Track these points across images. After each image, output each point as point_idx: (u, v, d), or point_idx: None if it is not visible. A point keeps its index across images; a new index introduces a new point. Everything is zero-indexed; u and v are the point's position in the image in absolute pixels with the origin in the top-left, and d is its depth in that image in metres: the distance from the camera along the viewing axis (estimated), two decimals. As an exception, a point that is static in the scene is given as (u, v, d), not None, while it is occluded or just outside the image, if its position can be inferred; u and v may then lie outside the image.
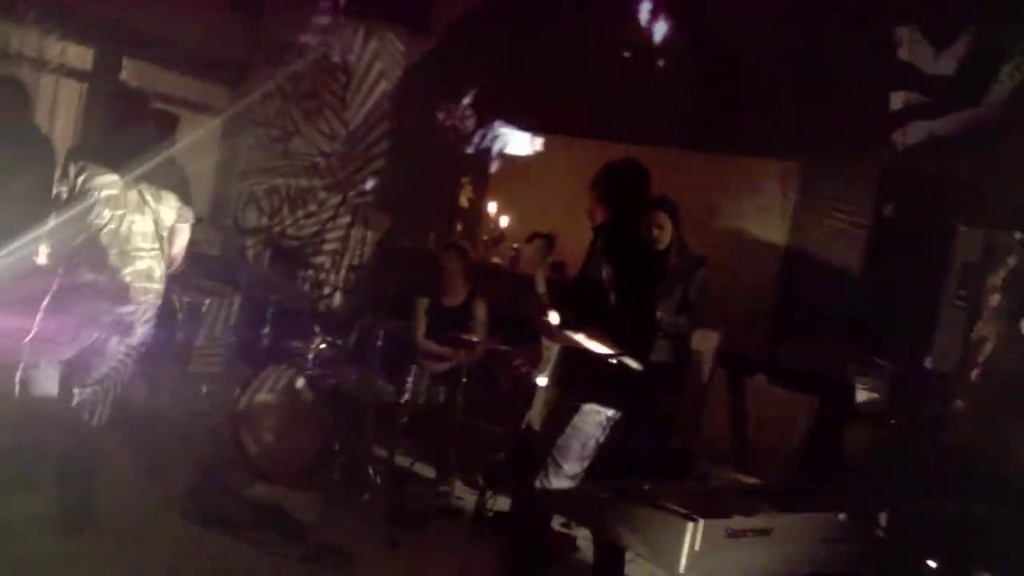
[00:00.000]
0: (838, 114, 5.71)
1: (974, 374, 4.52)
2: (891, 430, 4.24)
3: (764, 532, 2.02)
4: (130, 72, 7.37)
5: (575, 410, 3.46)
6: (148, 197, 3.82)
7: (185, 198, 4.03)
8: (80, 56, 6.99)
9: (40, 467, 3.94)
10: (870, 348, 4.98)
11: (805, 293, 5.69)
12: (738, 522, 1.98)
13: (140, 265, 3.79)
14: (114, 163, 3.82)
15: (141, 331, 3.88)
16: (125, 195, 3.78)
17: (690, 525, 1.88)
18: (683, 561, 1.89)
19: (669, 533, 1.89)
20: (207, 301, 4.98)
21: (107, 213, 3.71)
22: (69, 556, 3.59)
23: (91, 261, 3.71)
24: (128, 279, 3.76)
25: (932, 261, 4.11)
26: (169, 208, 3.92)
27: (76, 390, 3.82)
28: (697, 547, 1.88)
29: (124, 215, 3.76)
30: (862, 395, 5.03)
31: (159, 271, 3.88)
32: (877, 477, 3.88)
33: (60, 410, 3.84)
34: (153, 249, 3.84)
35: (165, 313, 4.79)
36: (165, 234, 3.91)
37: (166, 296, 3.99)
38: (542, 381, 3.78)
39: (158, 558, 3.81)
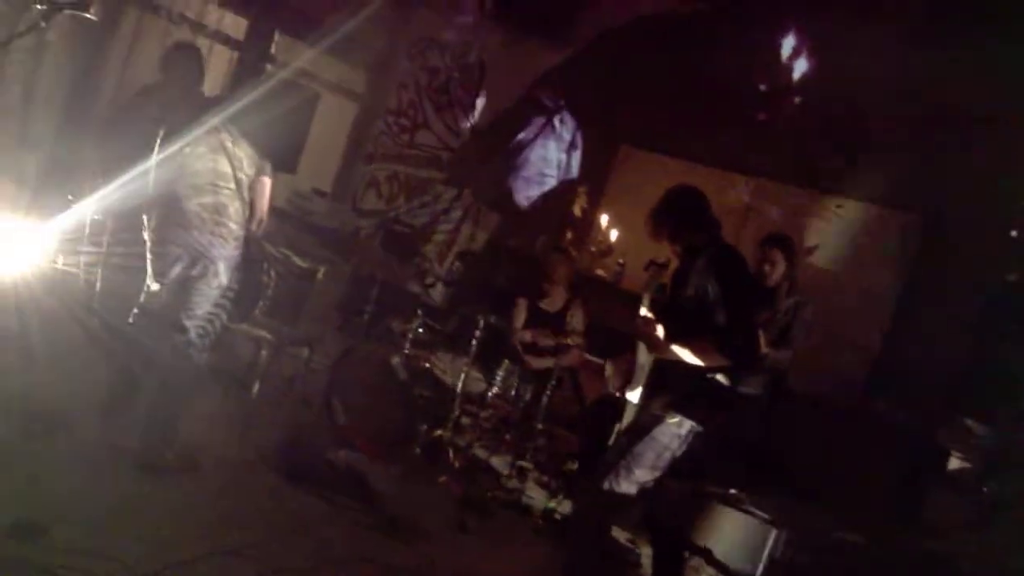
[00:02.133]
0: (967, 165, 5.55)
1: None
2: (980, 499, 4.10)
3: (836, 549, 2.02)
4: (280, 46, 7.74)
5: (656, 419, 3.49)
6: (229, 144, 4.15)
7: (286, 162, 4.32)
8: (235, 24, 7.37)
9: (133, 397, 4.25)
10: (972, 416, 4.83)
11: (911, 350, 5.54)
12: (819, 537, 1.99)
13: (211, 199, 4.12)
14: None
15: (224, 271, 4.15)
16: (210, 138, 4.11)
17: (773, 531, 1.90)
18: (761, 567, 1.91)
19: (751, 538, 1.92)
20: (322, 268, 5.19)
21: (189, 150, 4.09)
22: (148, 494, 3.75)
23: (172, 190, 4.10)
24: (199, 208, 4.10)
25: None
26: (250, 159, 4.22)
27: (176, 319, 4.11)
28: (778, 554, 1.90)
29: (204, 153, 4.12)
30: (955, 462, 4.89)
31: (233, 209, 4.17)
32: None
33: (160, 338, 4.14)
34: (227, 188, 4.15)
35: (279, 274, 5.06)
36: (244, 178, 4.20)
37: (280, 258, 4.24)
38: (634, 396, 3.79)
39: (238, 504, 3.98)
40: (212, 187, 4.15)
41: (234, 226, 4.20)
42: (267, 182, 4.34)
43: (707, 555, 4.33)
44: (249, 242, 4.33)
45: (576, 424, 5.80)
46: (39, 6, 3.27)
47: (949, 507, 4.55)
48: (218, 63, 7.35)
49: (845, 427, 5.30)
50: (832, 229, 6.19)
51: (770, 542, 1.82)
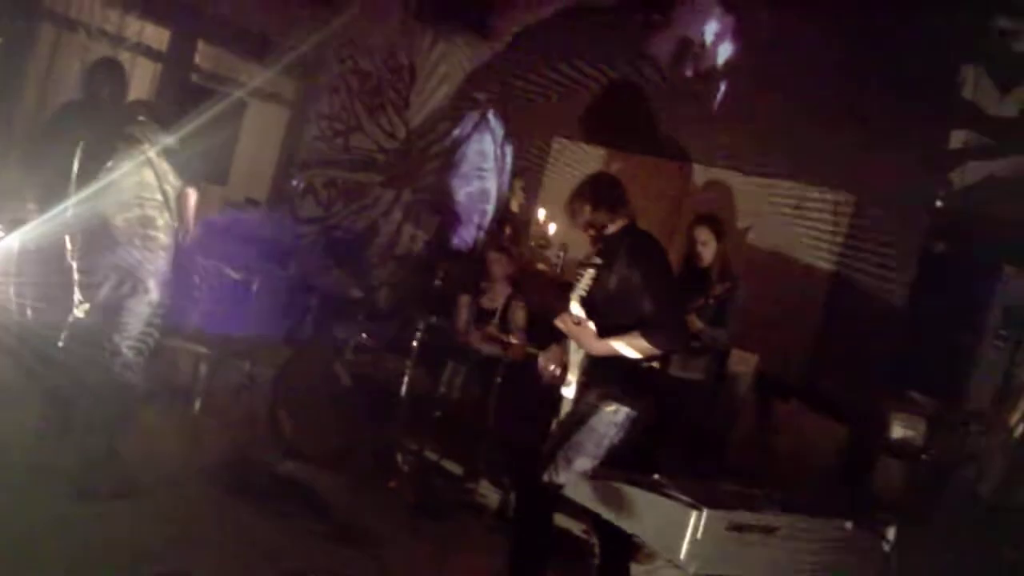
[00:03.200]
0: (894, 149, 5.68)
1: (1013, 416, 4.47)
2: (923, 466, 4.20)
3: (768, 530, 2.05)
4: (204, 55, 7.62)
5: (592, 408, 3.50)
6: (153, 155, 4.09)
7: (216, 172, 4.29)
8: (157, 36, 7.24)
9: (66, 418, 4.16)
10: (909, 383, 4.95)
11: (848, 324, 5.66)
12: (742, 517, 2.01)
13: (137, 212, 4.06)
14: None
15: (155, 287, 4.09)
16: (133, 150, 4.08)
17: (694, 514, 1.93)
18: (684, 549, 1.93)
19: (673, 520, 1.94)
20: (256, 280, 5.12)
21: (111, 164, 4.05)
22: (93, 517, 3.66)
23: (96, 209, 4.06)
24: (124, 224, 4.04)
25: (975, 301, 4.08)
26: (176, 170, 4.17)
27: (109, 341, 4.03)
28: (699, 536, 1.92)
29: (128, 167, 4.07)
30: (898, 431, 5.00)
31: (161, 222, 4.11)
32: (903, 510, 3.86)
33: (93, 362, 4.06)
34: (153, 200, 4.09)
35: (213, 287, 4.99)
36: (170, 190, 4.14)
37: (213, 271, 4.19)
38: (568, 392, 3.80)
39: (186, 522, 3.92)
40: (138, 200, 4.09)
41: (163, 239, 4.13)
42: (192, 193, 4.27)
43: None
44: (179, 255, 4.26)
45: (528, 416, 5.81)
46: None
47: (894, 475, 4.67)
48: (141, 76, 7.20)
49: (791, 407, 5.38)
50: (767, 211, 6.28)
51: (690, 524, 1.84)
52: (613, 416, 3.49)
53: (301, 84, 8.34)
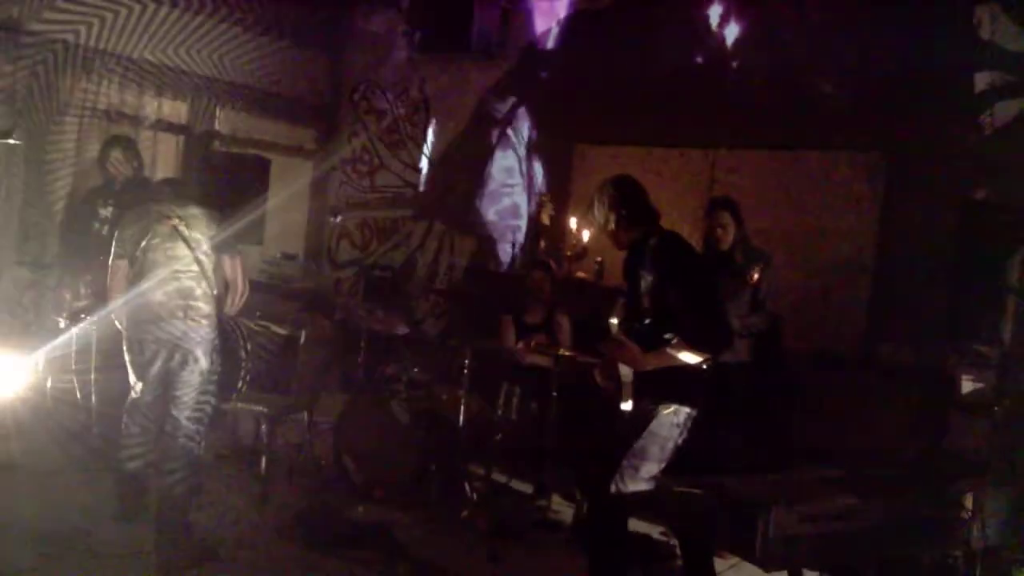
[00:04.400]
0: (923, 101, 5.56)
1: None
2: (996, 419, 4.08)
3: (842, 515, 2.00)
4: (223, 121, 7.76)
5: (651, 413, 3.46)
6: (182, 228, 4.15)
7: (251, 234, 4.34)
8: (176, 110, 7.39)
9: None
10: (970, 335, 4.81)
11: (900, 285, 5.54)
12: (812, 506, 1.97)
13: (175, 285, 4.12)
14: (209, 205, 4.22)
15: (204, 356, 4.16)
16: (161, 226, 4.13)
17: (762, 513, 1.88)
18: (758, 548, 1.89)
19: (743, 521, 1.90)
20: (303, 332, 5.18)
21: (144, 243, 4.12)
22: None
23: (137, 287, 4.15)
24: (165, 298, 4.10)
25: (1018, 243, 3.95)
26: (208, 238, 4.22)
27: (169, 416, 4.13)
28: (771, 534, 1.88)
29: (159, 243, 4.14)
30: (968, 386, 4.87)
31: (200, 292, 4.16)
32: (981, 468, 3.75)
33: (157, 439, 4.17)
34: (190, 271, 4.15)
35: (259, 346, 5.07)
36: (204, 259, 4.19)
37: (260, 330, 4.24)
38: (627, 406, 3.76)
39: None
40: (173, 274, 4.15)
41: (204, 307, 4.19)
42: (232, 261, 4.32)
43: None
44: (223, 321, 4.33)
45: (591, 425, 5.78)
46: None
47: (966, 431, 4.54)
48: (165, 151, 7.37)
49: (853, 378, 5.28)
50: (800, 184, 6.18)
51: (760, 523, 1.80)
52: (673, 418, 3.45)
53: (320, 133, 8.47)
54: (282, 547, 4.34)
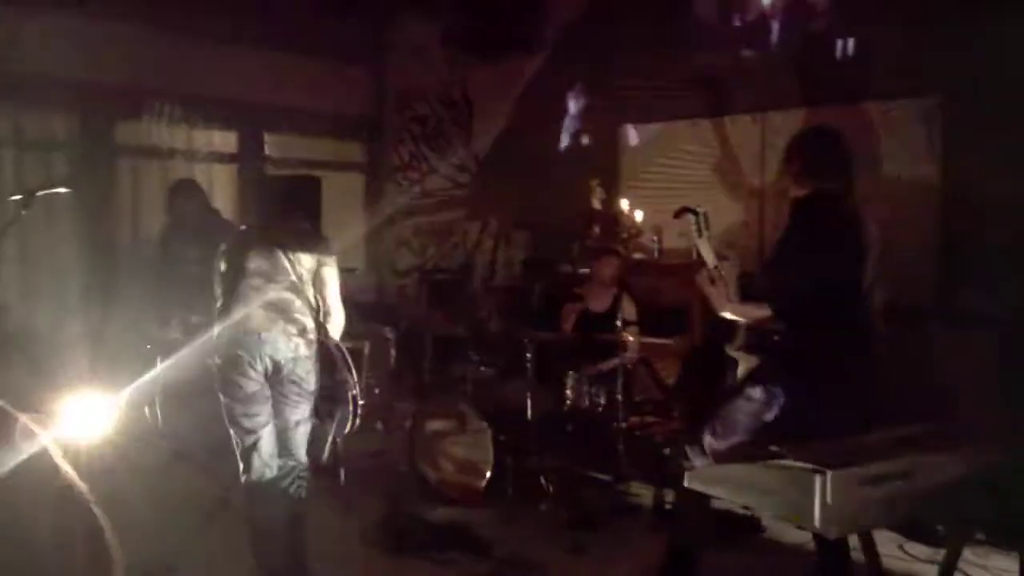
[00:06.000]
0: (975, 37, 5.33)
1: None
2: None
3: (900, 476, 1.93)
4: (272, 146, 7.92)
5: (739, 390, 3.38)
6: (281, 238, 3.94)
7: (326, 250, 4.20)
8: (226, 140, 7.57)
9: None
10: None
11: (968, 231, 5.33)
12: (871, 469, 1.90)
13: (274, 295, 3.88)
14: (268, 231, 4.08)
15: (304, 374, 3.95)
16: (258, 240, 3.96)
17: (818, 478, 1.83)
18: (817, 515, 1.84)
19: (800, 490, 1.84)
20: (367, 344, 5.24)
21: (240, 263, 3.92)
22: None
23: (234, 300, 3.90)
24: (264, 311, 3.87)
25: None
26: (307, 254, 4.00)
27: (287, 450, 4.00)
28: (829, 499, 1.82)
29: (254, 254, 3.91)
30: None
31: (299, 304, 3.94)
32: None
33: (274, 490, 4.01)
34: (287, 281, 3.90)
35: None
36: (304, 273, 3.95)
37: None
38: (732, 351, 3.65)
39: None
40: (272, 283, 3.91)
41: (303, 320, 3.97)
42: (329, 272, 4.05)
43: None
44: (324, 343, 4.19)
45: (662, 407, 5.72)
46: (14, 197, 3.41)
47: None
48: (220, 181, 7.55)
49: (930, 331, 5.10)
50: (856, 138, 5.99)
51: (817, 489, 1.74)
52: (751, 391, 3.37)
53: (368, 145, 8.57)
54: (367, 555, 4.40)
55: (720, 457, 3.18)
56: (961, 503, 2.20)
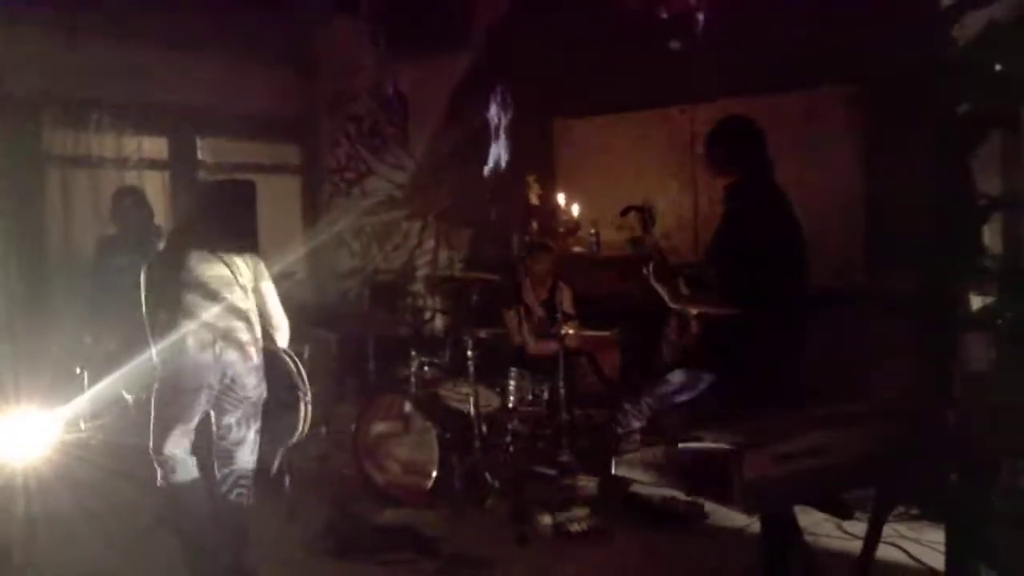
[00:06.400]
0: (889, 24, 5.49)
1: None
2: (1000, 334, 4.04)
3: (816, 453, 2.01)
4: (205, 150, 7.80)
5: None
6: (217, 249, 3.97)
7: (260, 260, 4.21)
8: (157, 146, 7.43)
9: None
10: (969, 251, 4.75)
11: (893, 215, 5.49)
12: (785, 447, 1.98)
13: (218, 308, 3.90)
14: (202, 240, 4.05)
15: (252, 384, 3.99)
16: (200, 252, 3.97)
17: (735, 458, 1.91)
18: (736, 493, 1.92)
19: (719, 468, 1.92)
20: (306, 347, 5.21)
21: (184, 275, 3.92)
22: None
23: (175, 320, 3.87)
24: (209, 321, 3.88)
25: (1004, 151, 3.89)
26: (244, 261, 4.06)
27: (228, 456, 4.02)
28: (747, 477, 1.90)
29: (195, 264, 3.92)
30: (977, 302, 4.82)
31: (242, 315, 3.96)
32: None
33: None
34: (231, 294, 3.93)
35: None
36: (247, 285, 4.02)
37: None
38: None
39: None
40: (216, 295, 3.93)
41: (248, 332, 4.02)
42: (267, 284, 4.14)
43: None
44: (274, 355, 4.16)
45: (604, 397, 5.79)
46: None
47: (977, 346, 4.49)
48: (153, 188, 7.39)
49: (858, 314, 5.25)
50: (780, 127, 6.12)
51: (735, 467, 1.83)
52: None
53: (303, 147, 8.49)
54: (315, 561, 4.39)
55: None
56: (876, 477, 2.30)
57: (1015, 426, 3.05)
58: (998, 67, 4.95)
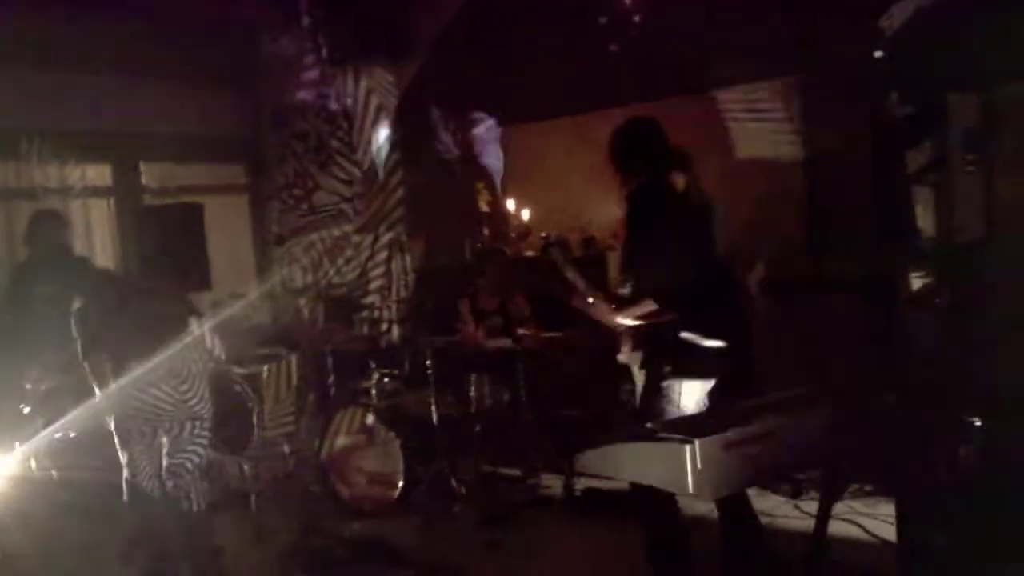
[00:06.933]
0: (823, 17, 5.66)
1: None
2: (939, 312, 4.20)
3: (763, 439, 2.10)
4: (149, 175, 7.73)
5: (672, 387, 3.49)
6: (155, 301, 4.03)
7: (197, 280, 4.25)
8: (99, 173, 7.35)
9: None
10: (905, 235, 4.92)
11: (833, 200, 5.66)
12: (733, 434, 2.07)
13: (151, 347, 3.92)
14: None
15: (200, 408, 4.05)
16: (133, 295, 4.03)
17: (687, 448, 1.99)
18: (691, 482, 2.00)
19: (673, 460, 2.01)
20: (265, 368, 5.22)
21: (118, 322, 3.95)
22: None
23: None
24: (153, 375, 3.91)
25: (932, 135, 4.04)
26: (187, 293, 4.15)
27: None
28: (699, 465, 1.98)
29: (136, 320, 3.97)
30: (917, 282, 4.98)
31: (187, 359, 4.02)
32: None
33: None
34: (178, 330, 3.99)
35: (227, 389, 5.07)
36: (190, 320, 4.09)
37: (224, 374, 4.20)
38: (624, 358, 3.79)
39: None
40: (159, 331, 3.98)
41: (194, 365, 4.07)
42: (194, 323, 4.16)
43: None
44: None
45: (565, 398, 5.87)
46: None
47: (921, 327, 4.65)
48: (98, 216, 7.33)
49: (805, 298, 5.40)
50: (721, 123, 6.28)
51: (688, 459, 1.91)
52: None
53: (249, 166, 8.45)
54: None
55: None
56: (825, 458, 2.40)
57: (953, 399, 3.20)
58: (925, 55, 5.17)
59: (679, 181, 4.94)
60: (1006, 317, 3.76)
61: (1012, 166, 4.38)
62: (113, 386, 3.90)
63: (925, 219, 4.49)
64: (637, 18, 6.55)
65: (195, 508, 4.13)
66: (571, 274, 3.81)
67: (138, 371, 3.88)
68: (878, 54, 5.65)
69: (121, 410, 3.96)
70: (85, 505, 4.78)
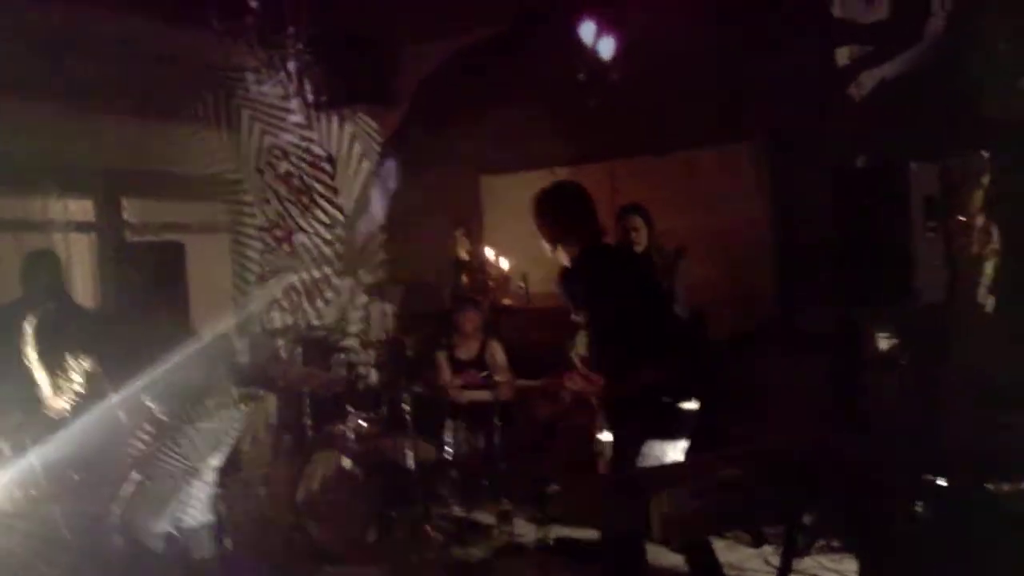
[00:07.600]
0: (794, 83, 5.90)
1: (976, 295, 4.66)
2: (902, 372, 4.36)
3: (728, 490, 2.21)
4: (132, 211, 7.78)
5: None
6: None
7: None
8: (82, 208, 7.39)
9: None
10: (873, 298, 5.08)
11: (799, 260, 5.84)
12: (700, 485, 2.18)
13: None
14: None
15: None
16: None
17: (655, 497, 2.10)
18: (656, 527, 2.11)
19: (640, 509, 2.12)
20: (243, 408, 5.25)
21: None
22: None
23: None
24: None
25: (895, 202, 4.20)
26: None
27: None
28: (666, 513, 2.09)
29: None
30: (884, 343, 5.14)
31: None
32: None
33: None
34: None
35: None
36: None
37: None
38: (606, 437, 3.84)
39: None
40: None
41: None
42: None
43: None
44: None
45: (541, 446, 5.94)
46: None
47: (885, 387, 4.79)
48: (79, 251, 7.36)
49: (770, 352, 5.54)
50: (694, 183, 6.50)
51: (654, 506, 2.02)
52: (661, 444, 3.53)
53: (232, 205, 8.52)
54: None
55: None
56: (784, 509, 2.51)
57: (914, 457, 3.32)
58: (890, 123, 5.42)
59: (640, 229, 5.14)
60: (965, 378, 3.92)
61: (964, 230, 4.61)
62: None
63: (888, 281, 4.67)
64: (615, 75, 6.77)
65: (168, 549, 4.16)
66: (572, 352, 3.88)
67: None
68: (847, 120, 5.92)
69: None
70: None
